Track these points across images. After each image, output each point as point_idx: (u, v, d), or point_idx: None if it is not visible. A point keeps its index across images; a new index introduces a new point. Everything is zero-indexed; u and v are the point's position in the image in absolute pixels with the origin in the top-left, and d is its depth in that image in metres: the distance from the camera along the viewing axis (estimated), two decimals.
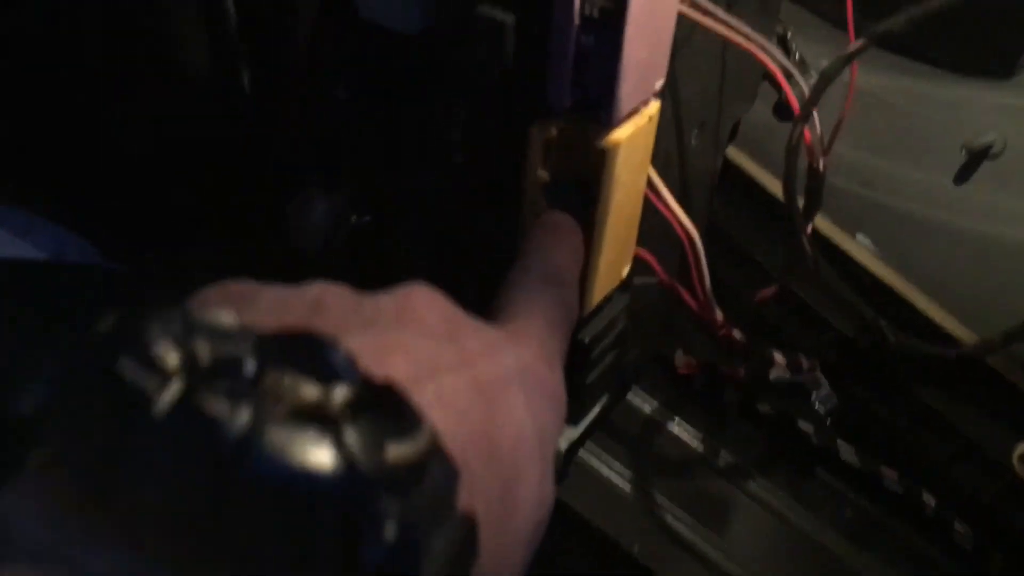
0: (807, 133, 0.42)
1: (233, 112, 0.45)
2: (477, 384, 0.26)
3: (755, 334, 0.62)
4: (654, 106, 0.41)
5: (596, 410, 0.52)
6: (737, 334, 0.50)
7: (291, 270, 0.57)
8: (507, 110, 0.40)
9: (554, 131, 0.40)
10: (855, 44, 0.40)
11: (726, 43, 0.53)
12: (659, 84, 0.41)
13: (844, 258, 0.62)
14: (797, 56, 0.62)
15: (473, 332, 0.29)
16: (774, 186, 0.64)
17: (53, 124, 0.44)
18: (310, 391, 0.18)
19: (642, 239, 0.48)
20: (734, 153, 0.65)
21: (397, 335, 0.26)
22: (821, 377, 0.53)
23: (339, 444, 0.17)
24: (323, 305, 0.26)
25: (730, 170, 0.66)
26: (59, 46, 0.41)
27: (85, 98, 0.43)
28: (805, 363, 0.52)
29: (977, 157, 0.56)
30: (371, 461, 0.17)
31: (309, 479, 0.16)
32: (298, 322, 0.25)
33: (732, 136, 0.65)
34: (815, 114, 0.42)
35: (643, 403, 0.66)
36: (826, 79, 0.41)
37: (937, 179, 0.58)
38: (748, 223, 0.67)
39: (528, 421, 0.28)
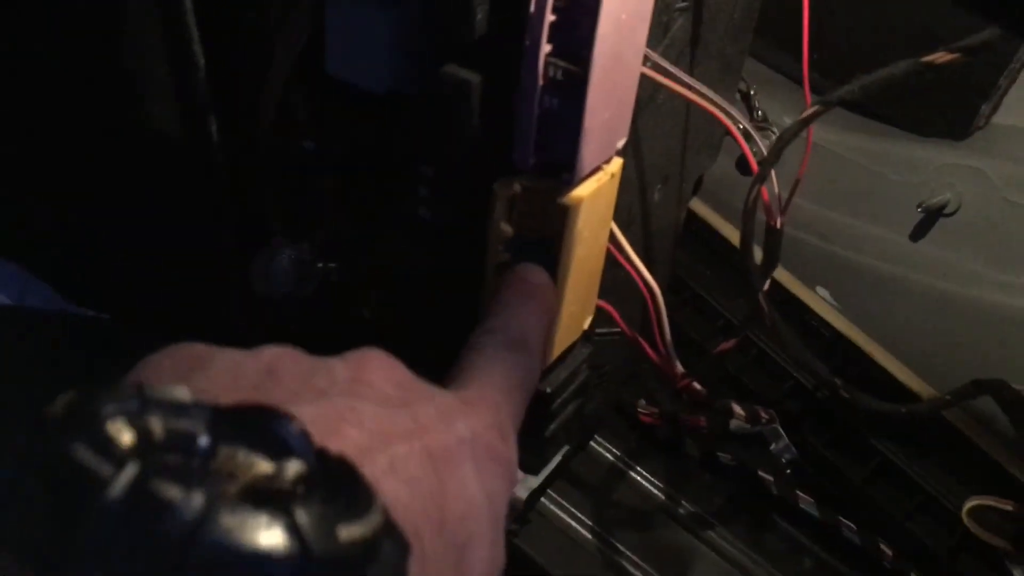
0: (764, 192, 0.43)
1: (201, 162, 0.45)
2: (429, 453, 0.27)
3: (716, 383, 0.63)
4: (616, 163, 0.42)
5: (557, 459, 0.52)
6: (697, 386, 0.51)
7: (259, 319, 0.57)
8: (473, 168, 0.41)
9: (518, 188, 0.40)
10: (811, 109, 0.41)
11: (689, 102, 0.54)
12: (621, 142, 0.42)
13: (804, 310, 0.63)
14: (760, 113, 0.63)
15: (426, 400, 0.29)
16: (736, 238, 0.65)
17: (21, 172, 0.44)
18: (263, 467, 0.18)
19: (605, 291, 0.49)
20: (697, 205, 0.66)
21: (350, 403, 0.26)
22: (779, 429, 0.54)
23: (291, 527, 0.17)
24: (276, 372, 0.26)
25: (694, 222, 0.67)
26: (26, 97, 0.41)
27: (54, 147, 0.43)
28: (763, 415, 0.53)
29: (933, 215, 0.57)
30: (324, 542, 0.17)
31: (262, 563, 0.16)
32: (251, 390, 0.25)
33: (696, 189, 0.66)
34: (772, 174, 0.43)
35: (605, 452, 0.66)
36: (783, 141, 0.42)
37: (894, 236, 0.59)
38: (711, 274, 0.68)
39: (478, 489, 0.29)
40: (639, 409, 0.64)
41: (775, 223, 0.44)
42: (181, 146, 0.44)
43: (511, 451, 0.34)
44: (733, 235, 0.65)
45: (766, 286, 0.45)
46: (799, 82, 0.65)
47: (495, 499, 0.30)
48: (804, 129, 0.40)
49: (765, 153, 0.60)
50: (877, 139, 0.60)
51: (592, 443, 0.66)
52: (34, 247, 0.46)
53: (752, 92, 0.63)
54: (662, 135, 0.50)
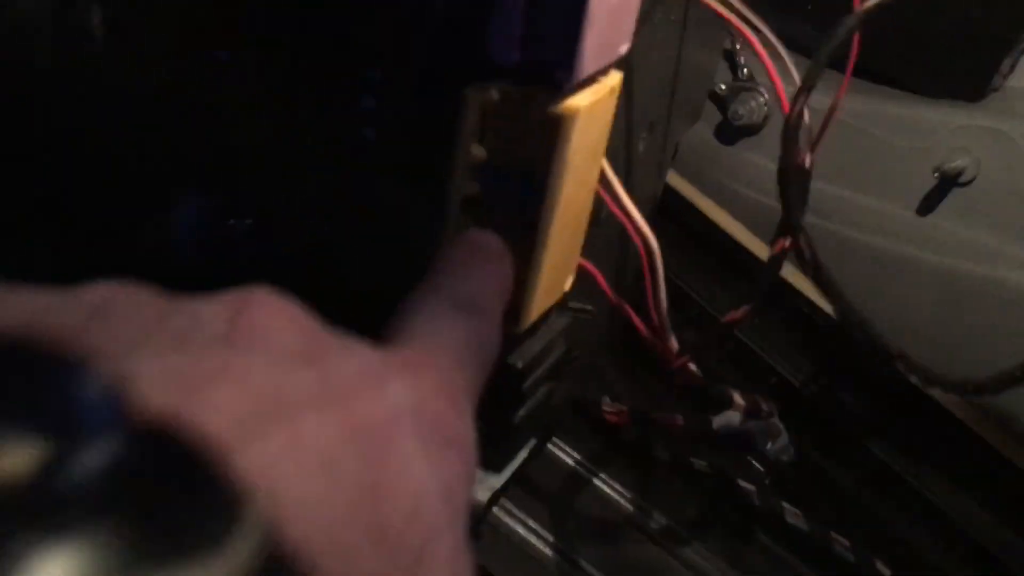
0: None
1: (76, 62, 0.36)
2: (351, 427, 0.19)
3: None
4: (615, 77, 0.34)
5: (523, 455, 0.43)
6: (693, 368, 0.43)
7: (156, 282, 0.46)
8: (437, 66, 0.32)
9: (495, 95, 0.31)
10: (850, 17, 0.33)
11: (682, 41, 0.47)
12: (624, 47, 0.33)
13: (793, 294, 0.55)
14: (745, 72, 0.56)
15: (345, 355, 0.21)
16: (716, 215, 0.58)
17: None
18: (18, 461, 0.10)
19: (585, 249, 0.40)
20: (672, 178, 0.59)
21: (224, 354, 0.18)
22: (779, 424, 0.46)
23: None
24: (106, 312, 0.18)
25: (665, 196, 0.59)
26: None
27: None
28: (764, 406, 0.45)
29: (947, 183, 0.50)
30: None
31: None
32: (63, 334, 0.16)
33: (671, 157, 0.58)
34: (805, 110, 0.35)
35: (564, 455, 0.57)
36: (822, 57, 0.34)
37: (899, 209, 0.52)
38: (685, 257, 0.60)
39: (429, 475, 0.21)
40: (603, 407, 0.56)
41: (804, 160, 0.36)
42: (50, 36, 0.34)
43: (467, 428, 0.25)
44: (713, 211, 0.57)
45: (787, 242, 0.37)
46: (784, 43, 0.59)
47: (453, 489, 0.22)
48: (848, 38, 0.33)
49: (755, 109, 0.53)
50: (878, 101, 0.53)
51: (550, 445, 0.57)
52: None
53: (738, 48, 0.56)
54: (653, 66, 0.43)
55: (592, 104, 0.32)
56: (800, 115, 0.34)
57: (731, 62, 0.57)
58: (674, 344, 0.42)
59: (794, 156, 0.34)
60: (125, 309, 0.18)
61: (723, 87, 0.56)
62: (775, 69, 0.37)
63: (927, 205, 0.51)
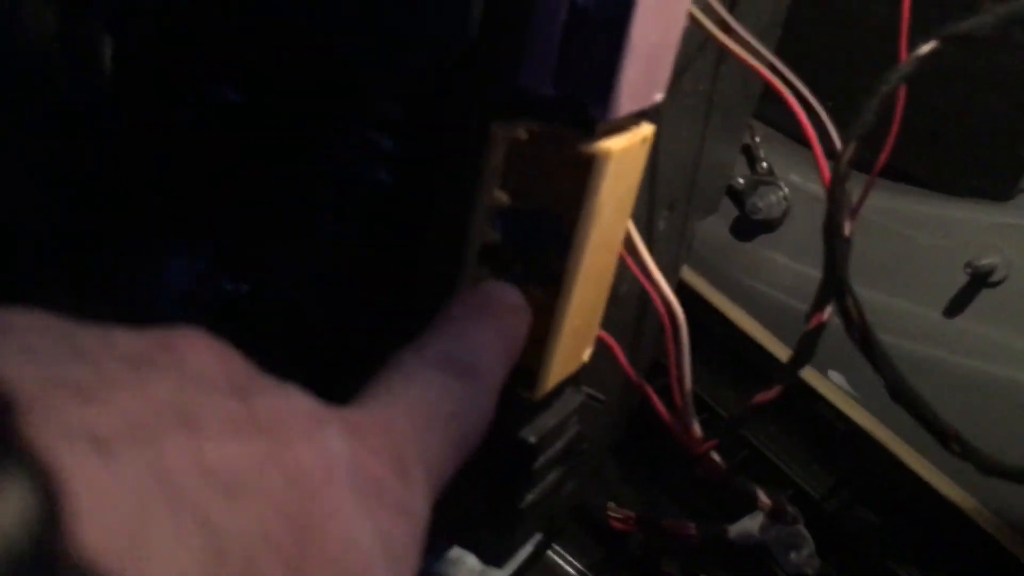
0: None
1: (84, 96, 0.33)
2: (273, 457, 0.17)
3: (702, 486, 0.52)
4: (648, 128, 0.32)
5: (527, 551, 0.39)
6: (716, 457, 0.39)
7: None
8: (462, 103, 0.30)
9: (523, 133, 0.29)
10: (929, 45, 0.31)
11: (707, 120, 0.45)
12: (658, 96, 0.31)
13: (814, 398, 0.52)
14: (764, 165, 0.55)
15: (278, 395, 0.19)
16: (733, 313, 0.55)
17: None
18: None
19: (610, 315, 0.37)
20: (686, 273, 0.57)
21: (125, 371, 0.16)
22: (804, 532, 0.42)
23: None
24: (5, 325, 0.16)
25: (679, 291, 0.57)
26: None
27: None
28: (790, 509, 0.41)
29: (977, 283, 0.48)
30: None
31: None
32: None
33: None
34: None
35: (565, 564, 0.53)
36: (883, 94, 0.32)
37: (925, 310, 0.50)
38: (697, 355, 0.57)
39: (365, 529, 0.19)
40: (609, 513, 0.52)
41: (844, 231, 0.34)
42: (62, 69, 0.32)
43: (416, 499, 0.22)
44: (728, 308, 0.55)
45: (824, 315, 0.35)
46: (800, 140, 0.58)
47: (397, 554, 0.20)
48: (904, 82, 0.31)
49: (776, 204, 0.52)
50: (905, 200, 0.51)
51: (550, 552, 0.52)
52: None
53: (757, 141, 0.55)
54: (679, 141, 0.41)
55: (625, 148, 0.30)
56: (849, 164, 0.32)
57: (749, 155, 0.56)
58: (697, 430, 0.38)
59: (842, 208, 0.32)
60: (28, 323, 0.17)
61: (741, 181, 0.55)
62: (811, 129, 0.35)
63: (956, 306, 0.49)
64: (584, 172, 0.29)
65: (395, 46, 0.30)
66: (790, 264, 0.55)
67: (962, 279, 0.48)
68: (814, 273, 0.54)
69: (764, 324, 0.54)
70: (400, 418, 0.23)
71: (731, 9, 0.37)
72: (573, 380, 0.36)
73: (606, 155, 0.29)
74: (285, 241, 0.39)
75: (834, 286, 0.32)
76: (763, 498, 0.41)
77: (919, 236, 0.50)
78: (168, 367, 0.17)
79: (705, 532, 0.48)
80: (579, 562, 0.53)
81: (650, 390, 0.38)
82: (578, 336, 0.33)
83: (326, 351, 0.41)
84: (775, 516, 0.41)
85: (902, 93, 0.32)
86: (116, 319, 0.39)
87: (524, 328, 0.30)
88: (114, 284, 0.41)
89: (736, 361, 0.55)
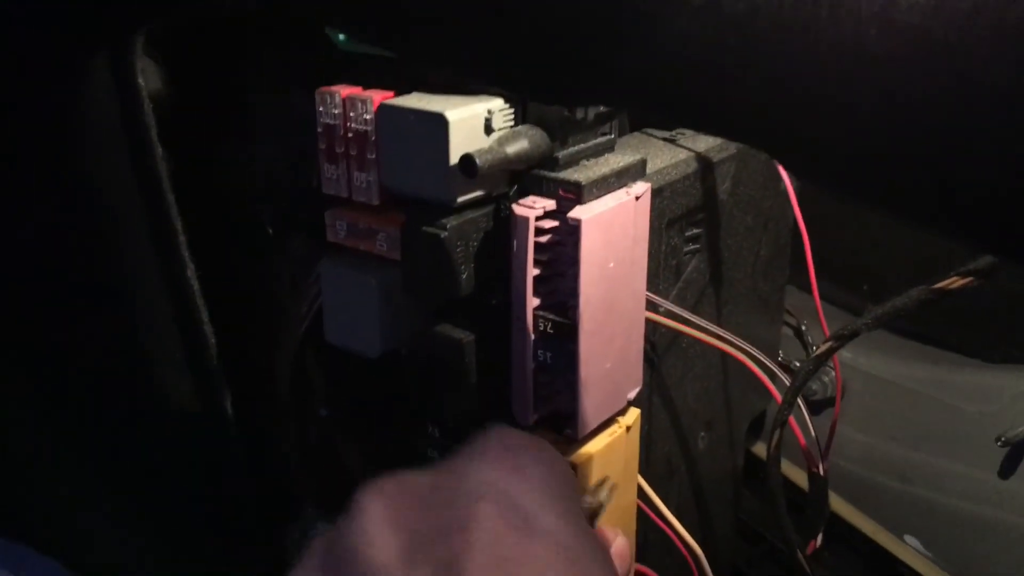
0: (801, 437, 0.39)
1: (217, 434, 0.45)
2: None
3: None
4: (632, 414, 0.40)
5: None
6: None
7: None
8: (478, 424, 0.39)
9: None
10: (824, 346, 0.38)
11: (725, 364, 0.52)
12: (633, 392, 0.39)
13: (895, 562, 0.56)
14: (815, 348, 0.60)
15: None
16: (802, 480, 0.60)
17: (33, 449, 0.45)
18: None
19: (645, 554, 0.44)
20: (760, 449, 0.62)
21: None
22: None
23: None
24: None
25: (760, 467, 0.62)
26: (40, 371, 0.42)
27: (69, 424, 0.44)
28: None
29: (1017, 447, 0.51)
30: None
31: None
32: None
33: (757, 431, 0.62)
34: (807, 417, 0.40)
35: None
36: (800, 380, 0.38)
37: (979, 472, 0.53)
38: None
39: None
40: None
41: (817, 469, 0.40)
42: (198, 420, 0.44)
43: None
44: (797, 477, 0.60)
45: (817, 543, 0.40)
46: (854, 312, 0.63)
47: None
48: (820, 367, 0.37)
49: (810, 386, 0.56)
50: (941, 367, 0.55)
51: None
52: (41, 524, 0.45)
53: (804, 327, 0.60)
54: (694, 378, 0.48)
55: (606, 448, 0.38)
56: (778, 443, 0.38)
57: (800, 339, 0.61)
58: None
59: (779, 484, 0.38)
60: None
61: (796, 364, 0.60)
62: (773, 388, 0.41)
63: (1007, 467, 0.52)
64: (576, 470, 0.37)
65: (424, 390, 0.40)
66: (855, 435, 0.59)
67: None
68: (882, 444, 0.58)
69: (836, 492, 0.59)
70: None
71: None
72: None
73: (587, 460, 0.37)
74: None
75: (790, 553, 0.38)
76: None
77: (958, 402, 0.54)
78: None
79: None
80: None
81: None
82: None
83: None
84: None
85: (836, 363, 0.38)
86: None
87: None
88: (276, 544, 0.52)
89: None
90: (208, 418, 0.44)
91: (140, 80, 0.37)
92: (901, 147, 0.20)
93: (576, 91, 0.27)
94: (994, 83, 0.18)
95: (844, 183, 0.23)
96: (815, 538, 0.41)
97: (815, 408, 0.60)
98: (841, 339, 0.38)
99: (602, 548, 0.24)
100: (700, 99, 0.23)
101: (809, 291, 0.59)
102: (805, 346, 0.61)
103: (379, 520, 0.23)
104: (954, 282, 0.34)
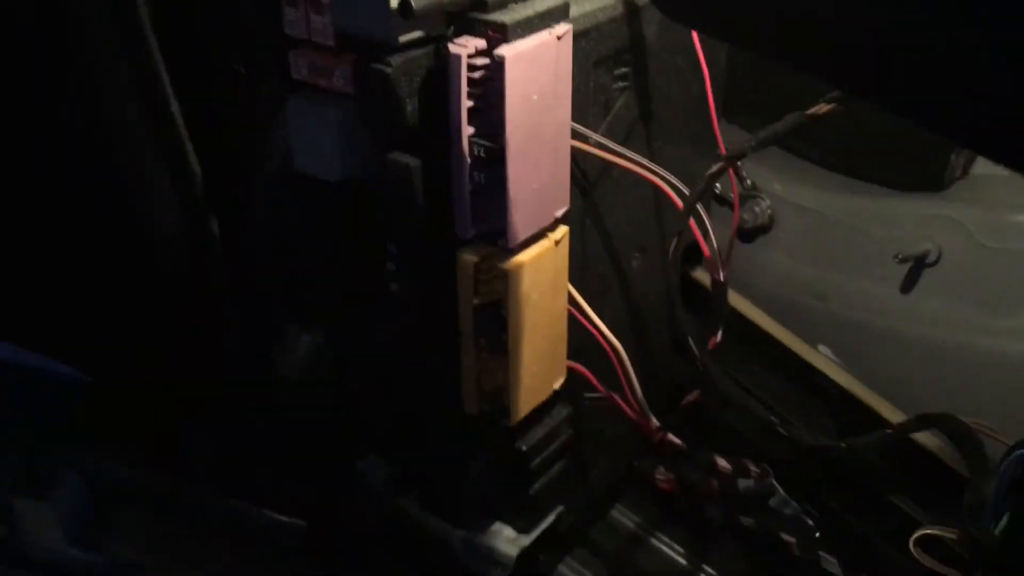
0: (705, 248, 0.45)
1: (203, 253, 0.51)
2: None
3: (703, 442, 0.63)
4: (561, 231, 0.46)
5: (551, 519, 0.54)
6: (674, 439, 0.52)
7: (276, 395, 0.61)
8: (428, 242, 0.45)
9: (475, 257, 0.44)
10: (714, 167, 0.43)
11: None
12: (560, 211, 0.45)
13: (810, 369, 0.64)
14: (749, 182, 0.66)
15: None
16: (743, 307, 0.67)
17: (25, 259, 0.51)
18: None
19: (578, 353, 0.52)
20: (700, 275, 0.69)
21: None
22: (774, 484, 0.54)
23: None
24: None
25: (700, 291, 0.69)
26: (35, 199, 0.48)
27: (72, 251, 0.50)
28: (753, 468, 0.53)
29: (918, 267, 0.58)
30: None
31: None
32: None
33: (694, 258, 0.68)
34: (711, 229, 0.46)
35: (626, 519, 0.67)
36: (694, 197, 0.44)
37: (885, 290, 0.60)
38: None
39: None
40: (657, 476, 0.66)
41: (718, 276, 0.46)
42: (187, 240, 0.50)
43: None
44: (738, 303, 0.67)
45: (718, 338, 0.47)
46: (789, 150, 0.68)
47: None
48: (711, 186, 0.43)
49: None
50: (860, 197, 0.62)
51: (613, 511, 0.67)
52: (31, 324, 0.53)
53: (740, 163, 0.66)
54: (626, 206, 0.54)
55: (536, 257, 0.44)
56: (677, 250, 0.44)
57: (737, 175, 0.67)
58: (653, 422, 0.52)
59: (676, 285, 0.44)
60: None
61: (731, 196, 0.66)
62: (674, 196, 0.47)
63: (907, 285, 0.59)
64: (505, 278, 0.44)
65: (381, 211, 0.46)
66: (784, 260, 0.66)
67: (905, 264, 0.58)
68: (801, 267, 0.65)
69: (765, 311, 0.66)
70: None
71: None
72: (551, 401, 0.51)
73: (518, 267, 0.43)
74: (355, 326, 0.55)
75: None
76: (722, 463, 0.54)
77: (870, 228, 0.60)
78: None
79: (724, 486, 0.61)
80: (638, 516, 0.67)
81: (617, 399, 0.52)
82: (539, 377, 0.48)
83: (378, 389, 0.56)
84: (738, 474, 0.54)
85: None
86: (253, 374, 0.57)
87: None
88: (262, 354, 0.60)
89: (744, 342, 0.67)
90: (195, 239, 0.51)
91: None
92: None
93: None
94: None
95: None
96: (716, 335, 0.48)
97: (746, 236, 0.66)
98: (731, 159, 0.44)
99: None
100: None
101: (750, 130, 0.65)
102: (740, 179, 0.66)
103: None
104: (821, 108, 0.40)
